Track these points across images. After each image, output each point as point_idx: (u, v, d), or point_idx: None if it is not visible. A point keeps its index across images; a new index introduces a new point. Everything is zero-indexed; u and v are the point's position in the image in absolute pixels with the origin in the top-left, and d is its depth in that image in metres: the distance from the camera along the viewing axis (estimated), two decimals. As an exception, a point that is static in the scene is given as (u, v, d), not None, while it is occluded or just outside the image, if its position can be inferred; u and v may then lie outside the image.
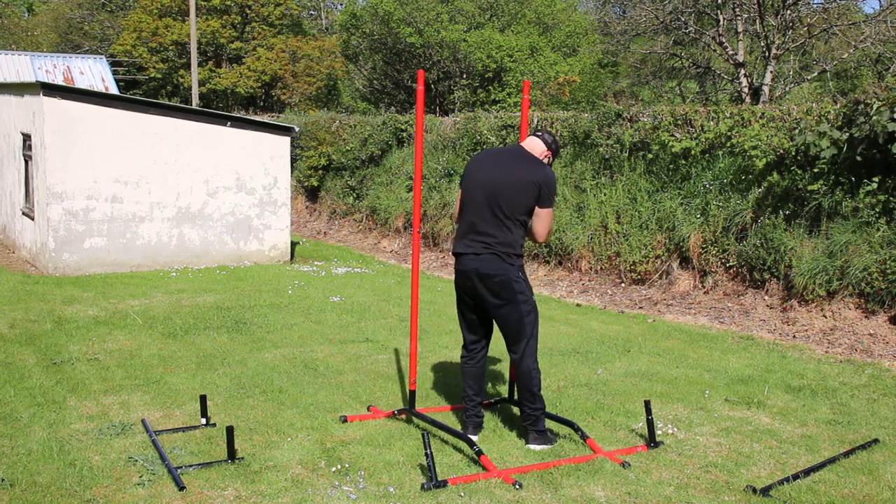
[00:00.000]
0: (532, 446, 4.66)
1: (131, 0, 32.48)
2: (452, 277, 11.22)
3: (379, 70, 27.04)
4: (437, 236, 12.77)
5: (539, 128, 4.57)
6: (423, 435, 4.16)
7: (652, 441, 4.70)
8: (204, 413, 4.94)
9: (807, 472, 4.31)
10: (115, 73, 27.62)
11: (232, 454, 4.34)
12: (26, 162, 11.46)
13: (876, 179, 7.68)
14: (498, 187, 4.51)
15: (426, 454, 4.10)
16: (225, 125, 11.39)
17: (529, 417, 4.66)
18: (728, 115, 9.51)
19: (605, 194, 10.44)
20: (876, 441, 4.84)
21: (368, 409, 5.30)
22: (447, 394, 5.71)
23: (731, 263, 8.90)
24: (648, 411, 4.71)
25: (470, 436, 4.69)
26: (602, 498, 4.01)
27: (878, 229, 7.55)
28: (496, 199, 4.51)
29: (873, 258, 7.47)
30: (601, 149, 10.71)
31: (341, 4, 36.73)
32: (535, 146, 4.69)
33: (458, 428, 4.91)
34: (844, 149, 7.88)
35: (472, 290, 4.63)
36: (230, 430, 4.35)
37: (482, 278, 4.54)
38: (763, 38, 19.45)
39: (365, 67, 28.29)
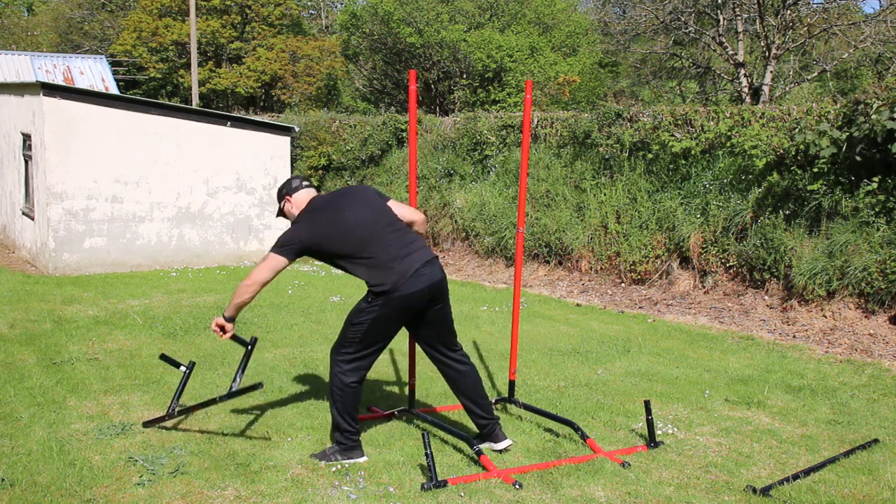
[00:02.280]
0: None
1: (131, 0, 32.49)
2: (452, 277, 11.23)
3: (379, 70, 27.04)
4: (437, 236, 12.78)
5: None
6: (423, 435, 4.16)
7: (652, 441, 4.70)
8: (175, 364, 5.00)
9: (807, 472, 4.31)
10: (115, 73, 27.62)
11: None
12: (26, 162, 11.46)
13: (876, 179, 7.68)
14: None
15: (426, 454, 4.10)
16: (225, 125, 11.39)
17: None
18: (728, 115, 9.51)
19: (605, 194, 10.44)
20: (876, 441, 4.83)
21: (368, 409, 5.30)
22: (447, 394, 5.71)
23: (731, 263, 8.90)
24: (648, 411, 4.71)
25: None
26: (602, 498, 4.01)
27: (878, 229, 7.56)
28: None
29: (873, 258, 7.47)
30: (601, 149, 10.71)
31: (341, 4, 36.74)
32: None
33: (458, 428, 4.91)
34: (844, 148, 7.88)
35: None
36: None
37: None
38: (763, 38, 19.46)
39: (365, 67, 28.30)
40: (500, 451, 4.56)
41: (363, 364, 4.37)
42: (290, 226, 4.46)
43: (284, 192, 4.50)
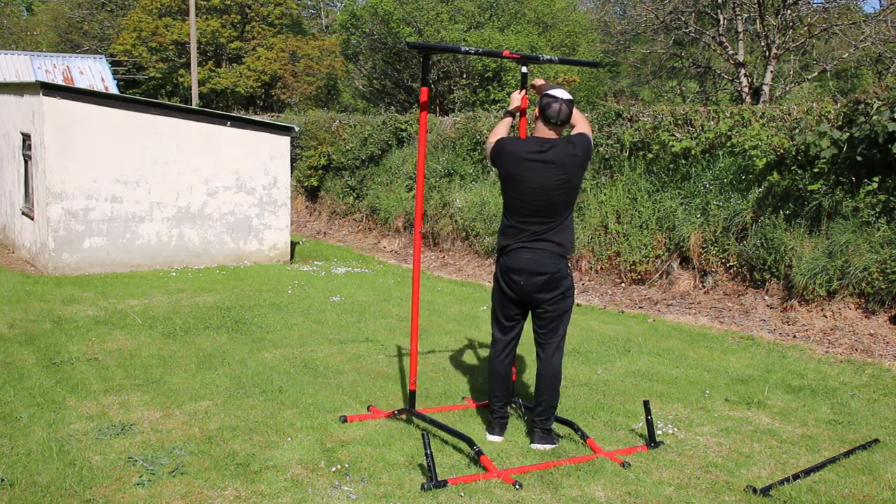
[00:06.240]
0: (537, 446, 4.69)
1: (131, 0, 32.50)
2: (452, 277, 11.23)
3: (379, 70, 27.05)
4: (438, 236, 12.77)
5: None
6: (423, 435, 4.16)
7: (652, 441, 4.69)
8: None
9: (807, 472, 4.31)
10: (114, 72, 27.63)
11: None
12: (26, 162, 11.46)
13: (876, 179, 7.68)
14: None
15: (426, 454, 4.09)
16: (225, 125, 11.39)
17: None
18: (728, 114, 9.51)
19: (605, 194, 10.44)
20: (876, 441, 4.83)
21: (368, 409, 5.30)
22: (447, 394, 5.71)
23: (731, 263, 8.89)
24: (648, 411, 4.71)
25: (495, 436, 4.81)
26: (602, 498, 4.01)
27: (879, 229, 7.55)
28: None
29: (873, 258, 7.46)
30: (601, 149, 10.71)
31: (341, 4, 36.74)
32: None
33: (458, 428, 4.91)
34: (844, 148, 7.87)
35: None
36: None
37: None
38: (763, 38, 19.47)
39: (365, 67, 28.31)
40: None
41: None
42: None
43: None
